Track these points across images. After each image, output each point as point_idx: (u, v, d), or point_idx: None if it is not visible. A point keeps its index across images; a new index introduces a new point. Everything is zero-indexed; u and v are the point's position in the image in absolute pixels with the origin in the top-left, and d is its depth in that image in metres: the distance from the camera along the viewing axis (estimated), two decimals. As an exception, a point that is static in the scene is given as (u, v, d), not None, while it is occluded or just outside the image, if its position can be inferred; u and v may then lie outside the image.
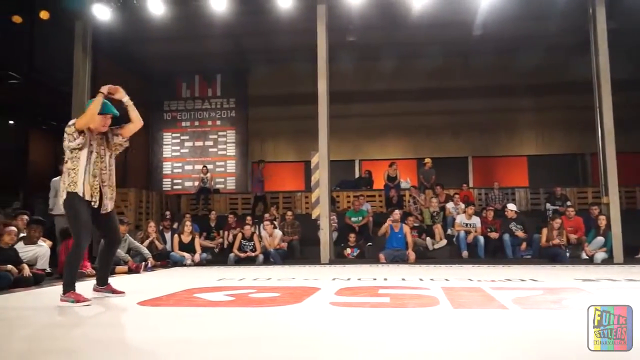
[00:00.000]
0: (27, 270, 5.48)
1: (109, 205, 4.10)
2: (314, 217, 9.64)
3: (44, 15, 10.20)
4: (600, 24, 9.29)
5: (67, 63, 10.01)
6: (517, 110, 14.49)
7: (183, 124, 15.63)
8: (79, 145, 3.90)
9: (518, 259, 9.11)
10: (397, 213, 9.24)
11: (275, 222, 10.30)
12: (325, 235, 9.20)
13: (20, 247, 5.94)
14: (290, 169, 14.61)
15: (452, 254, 9.63)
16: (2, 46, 10.55)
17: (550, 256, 8.70)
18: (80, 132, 3.92)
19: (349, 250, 9.63)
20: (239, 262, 8.97)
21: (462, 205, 10.57)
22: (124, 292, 4.29)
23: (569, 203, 10.86)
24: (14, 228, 5.67)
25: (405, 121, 14.77)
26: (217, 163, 15.42)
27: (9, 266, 5.24)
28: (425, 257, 9.33)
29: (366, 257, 9.52)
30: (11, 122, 15.22)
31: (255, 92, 15.31)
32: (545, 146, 14.55)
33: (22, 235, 6.27)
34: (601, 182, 9.41)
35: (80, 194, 3.87)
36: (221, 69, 15.31)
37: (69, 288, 3.82)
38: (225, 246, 10.22)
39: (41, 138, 15.68)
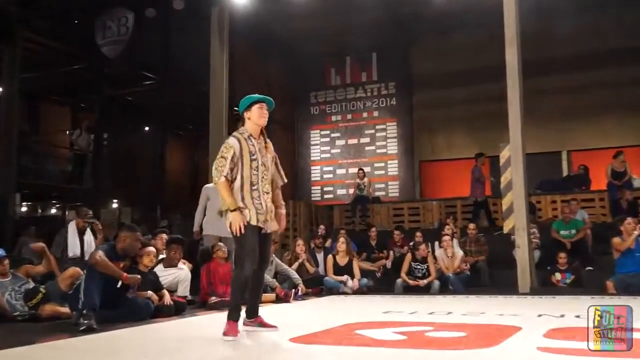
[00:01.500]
0: (167, 298, 5.98)
1: (272, 226, 4.51)
2: (506, 230, 9.29)
3: (177, 5, 11.34)
4: None
5: (202, 59, 11.04)
6: None
7: (333, 118, 16.23)
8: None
9: None
10: (630, 222, 8.41)
11: (455, 238, 10.12)
12: (523, 255, 8.77)
13: (159, 270, 6.58)
14: (469, 167, 14.21)
15: None
16: (135, 43, 11.91)
17: None
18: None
19: (559, 276, 9.07)
20: (409, 289, 8.98)
21: None
22: (276, 327, 4.53)
23: None
24: (152, 249, 6.25)
25: (635, 93, 13.46)
26: (376, 164, 15.70)
27: (149, 292, 5.74)
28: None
29: (585, 285, 8.85)
30: (146, 128, 17.22)
31: (421, 71, 15.33)
32: None
33: (161, 257, 7.00)
34: None
35: (248, 217, 4.30)
36: (377, 46, 15.58)
37: (230, 317, 4.24)
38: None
39: (178, 145, 17.51)
